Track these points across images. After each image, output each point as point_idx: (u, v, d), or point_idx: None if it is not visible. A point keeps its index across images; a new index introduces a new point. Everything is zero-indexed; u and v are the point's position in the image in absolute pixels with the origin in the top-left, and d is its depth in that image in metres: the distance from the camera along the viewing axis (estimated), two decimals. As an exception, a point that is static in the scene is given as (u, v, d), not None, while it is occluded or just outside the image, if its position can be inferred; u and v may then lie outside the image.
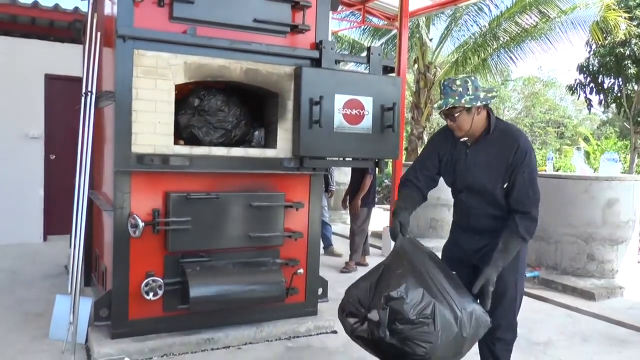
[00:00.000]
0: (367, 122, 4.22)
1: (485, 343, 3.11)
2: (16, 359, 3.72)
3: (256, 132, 4.43)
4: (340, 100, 4.11)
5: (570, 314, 5.28)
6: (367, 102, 4.22)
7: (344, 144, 4.17)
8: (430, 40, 14.16)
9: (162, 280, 3.86)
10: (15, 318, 4.53)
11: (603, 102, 17.32)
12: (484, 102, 2.91)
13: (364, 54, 11.80)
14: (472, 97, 2.87)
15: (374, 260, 7.12)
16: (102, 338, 3.87)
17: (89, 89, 4.13)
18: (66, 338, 3.88)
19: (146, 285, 3.81)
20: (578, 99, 19.06)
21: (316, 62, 4.24)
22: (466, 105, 2.87)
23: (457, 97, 2.87)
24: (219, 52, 3.94)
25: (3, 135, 7.41)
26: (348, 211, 7.25)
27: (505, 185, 2.96)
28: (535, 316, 5.17)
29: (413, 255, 2.85)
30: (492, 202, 3.03)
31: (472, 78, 2.96)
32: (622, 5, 14.52)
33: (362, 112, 4.21)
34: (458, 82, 2.90)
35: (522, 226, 2.91)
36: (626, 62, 15.17)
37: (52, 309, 4.20)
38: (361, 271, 6.50)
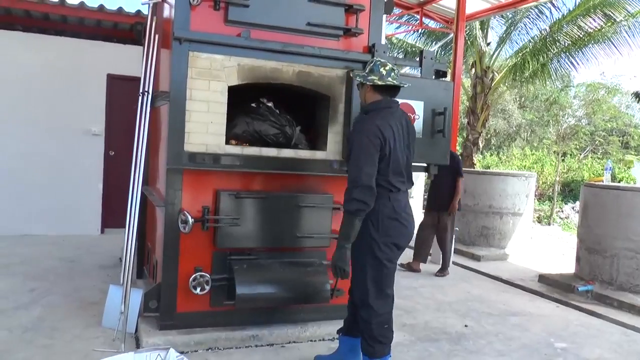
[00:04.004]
0: (417, 127, 4.20)
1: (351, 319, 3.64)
2: (73, 343, 3.90)
3: (303, 134, 4.48)
4: None
5: (626, 332, 5.07)
6: (418, 106, 4.21)
7: None
8: (488, 44, 13.87)
9: (209, 276, 3.96)
10: (72, 304, 4.76)
11: (671, 111, 16.48)
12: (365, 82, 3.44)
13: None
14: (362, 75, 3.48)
15: (428, 267, 7.07)
16: (150, 329, 4.01)
17: (146, 89, 4.29)
18: (117, 327, 4.05)
19: (194, 280, 3.91)
20: (644, 107, 18.20)
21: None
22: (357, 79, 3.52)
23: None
24: (271, 55, 4.01)
25: (67, 131, 7.80)
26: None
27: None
28: (586, 332, 5.00)
29: None
30: None
31: (378, 62, 3.48)
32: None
33: (412, 116, 4.19)
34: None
35: (344, 200, 3.29)
36: (698, 69, 14.38)
37: (106, 298, 4.38)
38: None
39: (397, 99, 3.56)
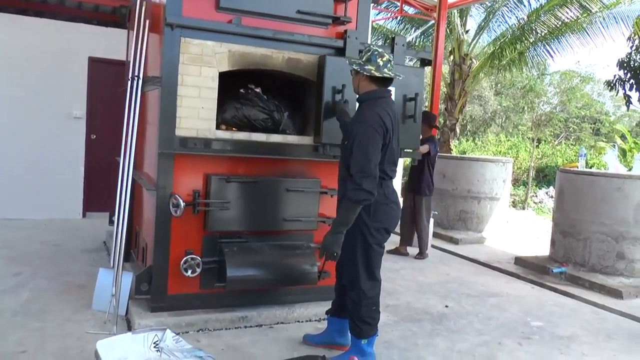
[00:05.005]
0: None
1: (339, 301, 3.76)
2: (65, 326, 3.96)
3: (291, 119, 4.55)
4: None
5: (597, 311, 5.31)
6: (392, 91, 4.22)
7: None
8: (467, 32, 14.03)
9: (200, 259, 4.04)
10: (60, 288, 4.79)
11: (643, 99, 16.90)
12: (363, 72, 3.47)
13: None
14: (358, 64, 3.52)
15: (410, 250, 7.24)
16: (141, 311, 4.08)
17: (136, 74, 4.31)
18: (108, 309, 4.11)
19: (185, 262, 3.99)
20: (617, 95, 18.64)
21: (341, 52, 4.28)
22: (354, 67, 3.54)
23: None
24: (262, 42, 4.08)
25: (49, 114, 7.72)
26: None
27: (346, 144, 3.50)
28: (560, 311, 5.23)
29: None
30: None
31: (375, 52, 3.49)
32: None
33: None
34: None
35: (349, 189, 3.33)
36: (669, 59, 14.76)
37: (93, 282, 4.43)
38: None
39: None
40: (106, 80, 7.79)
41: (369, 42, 4.53)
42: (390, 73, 3.48)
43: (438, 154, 7.34)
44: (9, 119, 7.57)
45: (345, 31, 4.31)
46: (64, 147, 7.84)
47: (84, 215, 8.14)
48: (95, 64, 7.98)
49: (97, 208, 8.00)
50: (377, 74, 3.45)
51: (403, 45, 4.49)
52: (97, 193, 8.01)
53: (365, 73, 3.47)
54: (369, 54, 3.51)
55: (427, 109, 8.96)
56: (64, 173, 7.87)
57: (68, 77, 7.80)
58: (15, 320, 4.01)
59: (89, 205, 8.16)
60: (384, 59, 3.48)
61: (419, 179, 6.99)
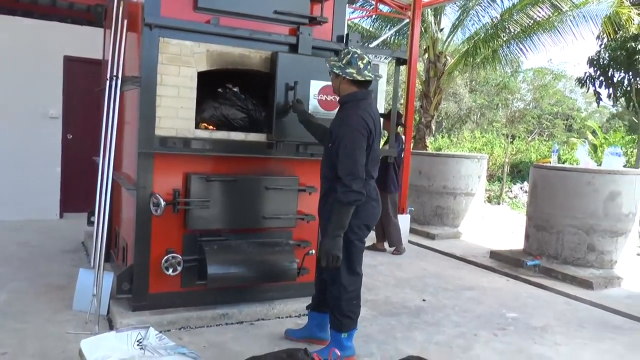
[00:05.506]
0: None
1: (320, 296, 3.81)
2: (45, 327, 3.95)
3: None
4: (316, 86, 4.21)
5: (569, 302, 5.48)
6: None
7: None
8: (441, 30, 14.21)
9: (181, 257, 4.07)
10: (39, 289, 4.77)
11: (612, 95, 17.32)
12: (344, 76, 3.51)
13: (375, 43, 11.77)
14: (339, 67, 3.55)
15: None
16: (123, 310, 4.10)
17: (114, 74, 4.31)
18: (89, 309, 4.12)
19: (166, 261, 4.02)
20: (587, 92, 19.07)
21: (293, 48, 4.32)
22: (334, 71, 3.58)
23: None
24: (240, 42, 4.12)
25: (24, 114, 7.62)
26: None
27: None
28: (534, 302, 5.38)
29: None
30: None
31: (355, 54, 3.54)
32: (635, 1, 14.48)
33: (337, 98, 4.29)
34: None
35: (339, 191, 3.40)
36: (637, 57, 15.14)
37: (73, 282, 4.43)
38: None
39: (321, 81, 3.75)
40: (82, 80, 7.75)
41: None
42: (371, 75, 3.56)
43: (413, 150, 7.45)
44: (-17, 120, 7.46)
45: (298, 27, 4.30)
46: (40, 147, 7.75)
47: (61, 216, 8.07)
48: (70, 62, 7.90)
49: (74, 209, 7.93)
50: (359, 78, 3.52)
51: (357, 41, 4.53)
52: (75, 194, 7.94)
53: (347, 77, 3.53)
54: (348, 56, 3.54)
55: (400, 107, 9.08)
56: (41, 173, 7.77)
57: (43, 76, 7.71)
58: (-5, 322, 4.00)
59: (66, 206, 8.09)
60: (364, 61, 3.55)
61: (385, 177, 7.03)
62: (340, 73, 3.54)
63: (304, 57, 4.27)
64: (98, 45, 6.50)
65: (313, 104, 4.23)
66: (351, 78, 3.53)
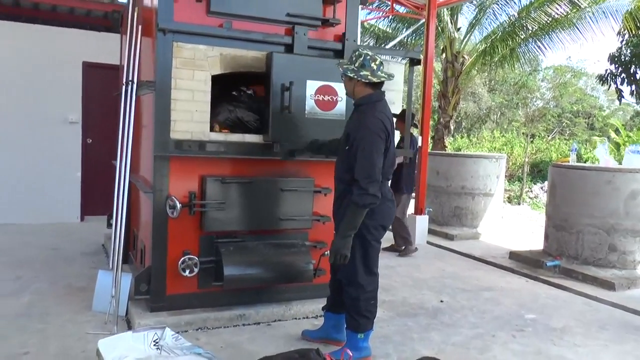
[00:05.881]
0: (340, 109, 4.28)
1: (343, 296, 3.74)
2: (66, 327, 4.03)
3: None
4: (312, 86, 4.17)
5: (589, 303, 5.40)
6: (341, 88, 4.16)
7: (316, 130, 4.22)
8: (458, 29, 14.13)
9: (197, 259, 4.11)
10: (60, 291, 4.86)
11: (635, 92, 17.02)
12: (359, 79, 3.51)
13: (391, 43, 11.73)
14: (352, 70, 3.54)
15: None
16: (141, 311, 4.15)
17: (130, 78, 4.38)
18: (108, 310, 4.18)
19: (183, 262, 4.06)
20: (609, 89, 18.80)
21: (289, 48, 4.30)
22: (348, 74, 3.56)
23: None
24: (253, 45, 4.15)
25: (44, 119, 7.79)
26: None
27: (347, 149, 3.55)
28: (554, 303, 5.31)
29: None
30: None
31: (367, 56, 3.54)
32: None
33: (335, 99, 4.26)
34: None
35: (355, 193, 3.40)
36: (660, 53, 14.88)
37: (93, 284, 4.50)
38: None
39: (318, 81, 3.89)
40: (101, 85, 7.88)
41: (359, 43, 4.59)
42: (385, 75, 3.57)
43: (430, 151, 7.39)
44: (5, 125, 7.64)
45: (293, 27, 4.27)
46: (60, 152, 7.91)
47: (82, 219, 8.21)
48: (89, 68, 8.05)
49: (94, 212, 8.07)
50: (374, 80, 3.53)
51: (354, 41, 4.49)
52: (95, 197, 8.07)
53: (362, 80, 3.53)
54: (361, 59, 3.54)
55: (418, 107, 9.04)
56: (61, 177, 7.93)
57: (63, 82, 7.87)
58: (17, 323, 4.07)
59: (87, 209, 8.23)
60: (377, 62, 3.56)
61: (397, 177, 6.99)
62: (355, 76, 3.53)
63: (298, 57, 4.22)
64: (116, 50, 6.60)
65: (310, 105, 4.18)
66: (366, 80, 3.53)
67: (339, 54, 4.43)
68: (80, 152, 8.11)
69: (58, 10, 8.02)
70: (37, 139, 7.77)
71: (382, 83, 3.61)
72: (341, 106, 4.29)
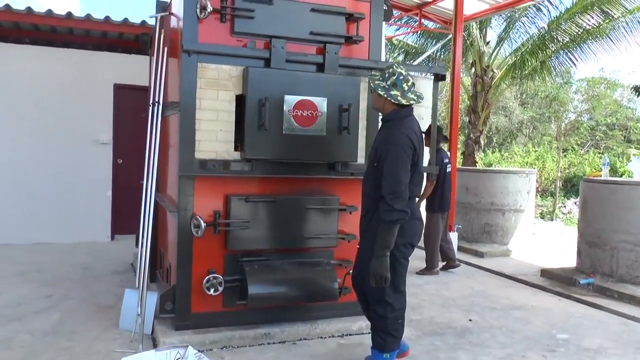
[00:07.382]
0: (320, 124, 4.17)
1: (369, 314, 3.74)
2: (93, 345, 4.07)
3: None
4: (290, 101, 4.08)
5: (626, 322, 5.21)
6: (321, 103, 4.16)
7: (295, 147, 4.14)
8: (487, 43, 14.01)
9: (222, 277, 4.12)
10: (89, 309, 4.93)
11: (671, 104, 16.57)
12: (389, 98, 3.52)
13: (420, 59, 11.71)
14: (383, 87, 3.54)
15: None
16: (166, 329, 4.17)
17: (156, 100, 4.46)
18: (134, 328, 4.22)
19: (207, 281, 4.08)
20: (644, 101, 18.32)
21: (267, 62, 4.16)
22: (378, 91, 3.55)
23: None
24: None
25: (76, 140, 7.99)
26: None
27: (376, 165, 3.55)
28: (587, 323, 5.14)
29: None
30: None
31: (400, 76, 3.54)
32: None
33: (314, 114, 4.15)
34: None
35: (382, 210, 3.38)
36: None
37: (120, 302, 4.55)
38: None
39: (296, 95, 3.93)
40: (131, 106, 8.05)
41: (383, 59, 4.58)
42: (414, 98, 3.55)
43: (459, 167, 7.25)
44: (39, 147, 7.86)
45: (270, 40, 4.13)
46: (91, 172, 8.09)
47: (112, 238, 8.35)
48: (120, 90, 8.24)
49: (124, 231, 8.20)
50: (403, 102, 3.52)
51: (335, 53, 4.32)
52: (125, 216, 8.20)
53: (392, 100, 3.53)
54: (394, 77, 3.54)
55: (445, 122, 8.97)
56: (93, 197, 8.10)
57: (95, 104, 8.08)
58: (46, 340, 4.14)
59: (117, 228, 8.36)
60: (409, 83, 3.55)
61: (430, 196, 6.88)
62: (385, 95, 3.53)
63: (275, 71, 4.10)
64: (146, 72, 6.74)
65: (288, 120, 4.07)
66: (396, 102, 3.52)
67: (268, 62, 4.20)
68: (111, 172, 8.27)
69: (91, 34, 8.24)
70: (70, 160, 7.97)
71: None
72: (321, 121, 4.16)
